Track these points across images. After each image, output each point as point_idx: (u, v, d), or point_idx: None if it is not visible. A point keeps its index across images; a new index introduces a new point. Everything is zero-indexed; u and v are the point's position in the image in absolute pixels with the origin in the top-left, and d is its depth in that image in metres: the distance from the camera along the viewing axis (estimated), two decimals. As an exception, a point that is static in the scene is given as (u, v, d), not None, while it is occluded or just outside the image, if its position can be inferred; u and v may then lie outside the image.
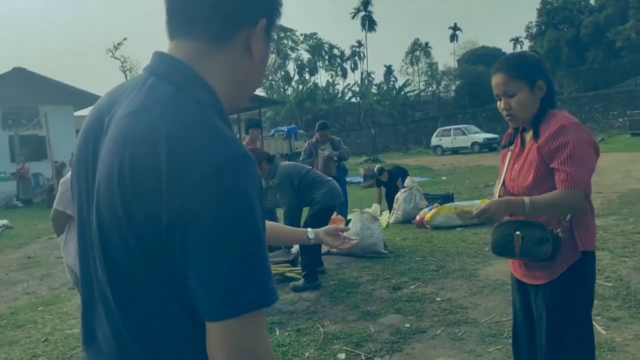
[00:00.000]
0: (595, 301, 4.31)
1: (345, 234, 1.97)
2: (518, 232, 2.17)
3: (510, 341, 3.84)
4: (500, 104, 2.26)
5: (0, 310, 5.81)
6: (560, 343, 2.16)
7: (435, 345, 3.95)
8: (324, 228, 1.99)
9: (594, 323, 3.94)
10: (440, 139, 30.56)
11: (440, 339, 4.04)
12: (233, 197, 0.86)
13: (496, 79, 2.23)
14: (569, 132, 2.09)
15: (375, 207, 6.68)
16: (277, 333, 4.39)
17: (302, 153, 8.17)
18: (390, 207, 9.45)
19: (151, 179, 0.86)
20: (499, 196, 2.33)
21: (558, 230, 2.11)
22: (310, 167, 6.08)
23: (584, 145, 2.09)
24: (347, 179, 9.71)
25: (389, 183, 9.56)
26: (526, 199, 2.12)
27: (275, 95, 54.09)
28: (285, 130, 33.38)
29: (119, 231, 0.90)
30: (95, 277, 1.00)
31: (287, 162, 6.15)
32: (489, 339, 3.94)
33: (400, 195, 9.26)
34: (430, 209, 8.43)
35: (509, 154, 2.39)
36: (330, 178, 5.82)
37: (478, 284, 5.18)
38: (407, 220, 8.90)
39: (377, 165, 9.90)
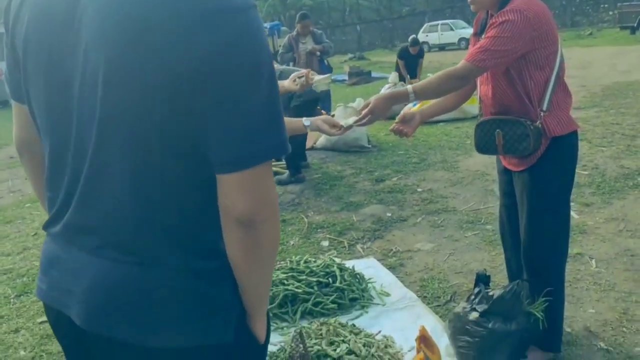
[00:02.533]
0: (571, 188, 4.45)
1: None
2: (498, 130, 2.17)
3: (487, 227, 4.01)
4: None
5: (-13, 208, 5.86)
6: (539, 226, 2.24)
7: (416, 232, 4.10)
8: (320, 117, 2.06)
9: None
10: (427, 35, 29.75)
11: (420, 227, 4.19)
12: (259, 38, 0.88)
13: None
14: (512, 12, 1.97)
15: (358, 101, 6.63)
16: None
17: (281, 48, 7.94)
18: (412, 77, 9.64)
19: (176, 22, 0.84)
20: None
21: (537, 122, 2.11)
22: (287, 65, 5.93)
23: (512, 25, 1.95)
24: (332, 77, 9.59)
25: (413, 58, 9.57)
26: (409, 87, 2.13)
27: (256, -10, 51.61)
28: (268, 27, 32.18)
29: (136, 88, 0.87)
30: (78, 149, 0.96)
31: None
32: (466, 225, 4.09)
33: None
34: (415, 105, 8.39)
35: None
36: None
37: (458, 175, 5.29)
38: (391, 116, 8.87)
39: (413, 36, 9.91)
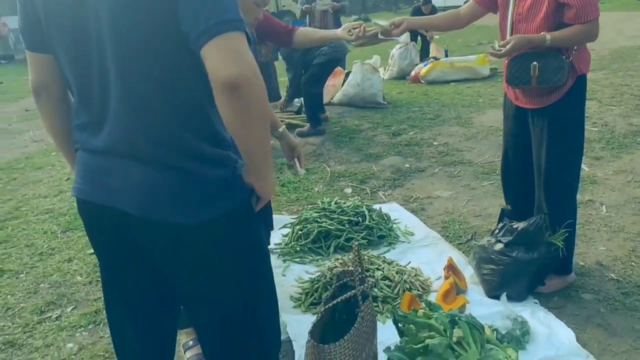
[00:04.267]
0: (582, 143, 4.66)
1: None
2: (535, 63, 2.37)
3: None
4: None
5: (14, 155, 6.06)
6: (561, 157, 2.48)
7: (434, 181, 4.33)
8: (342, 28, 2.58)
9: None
10: (432, -3, 29.43)
11: (437, 177, 4.42)
12: None
13: None
14: None
15: (375, 59, 6.77)
16: (287, 172, 4.73)
17: (299, 4, 8.00)
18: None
19: None
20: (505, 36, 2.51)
21: (570, 58, 2.33)
22: (307, 27, 6.04)
23: None
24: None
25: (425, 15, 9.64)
26: (547, 35, 2.31)
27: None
28: (271, -15, 31.68)
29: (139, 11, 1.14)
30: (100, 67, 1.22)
31: None
32: (482, 175, 4.32)
33: (395, 52, 9.28)
34: (426, 65, 8.53)
35: None
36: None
37: (472, 130, 5.49)
38: (401, 76, 9.02)
39: None
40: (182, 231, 1.27)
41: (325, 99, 6.40)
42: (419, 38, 9.68)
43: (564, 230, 2.53)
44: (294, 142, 2.39)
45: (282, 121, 5.88)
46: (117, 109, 1.23)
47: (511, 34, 2.47)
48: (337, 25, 7.83)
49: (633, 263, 2.88)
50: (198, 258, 1.32)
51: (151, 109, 1.22)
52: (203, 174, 1.26)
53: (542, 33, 2.34)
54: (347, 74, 6.84)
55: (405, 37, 9.27)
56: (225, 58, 1.11)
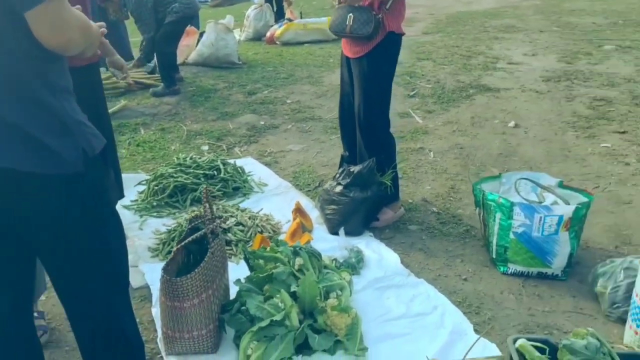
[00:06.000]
0: (416, 99, 5.21)
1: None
2: (350, 14, 2.69)
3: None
4: None
5: None
6: (368, 102, 2.86)
7: (287, 136, 4.59)
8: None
9: (412, 113, 4.83)
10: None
11: (290, 132, 4.69)
12: None
13: None
14: None
15: (228, 19, 6.80)
16: (142, 132, 4.72)
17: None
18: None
19: None
20: None
21: (380, 15, 2.68)
22: None
23: None
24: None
25: None
26: None
27: None
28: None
29: None
30: None
31: None
32: (331, 130, 4.65)
33: (250, 13, 9.32)
34: (280, 26, 8.70)
35: None
36: None
37: (323, 88, 5.82)
38: (257, 37, 9.10)
39: None
40: (29, 180, 1.33)
41: (180, 59, 6.35)
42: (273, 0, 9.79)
43: (391, 170, 2.92)
44: (121, 63, 2.82)
45: (135, 81, 5.77)
46: None
47: None
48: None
49: (451, 198, 3.37)
50: (46, 207, 1.39)
51: None
52: (35, 134, 1.31)
53: None
54: (201, 34, 6.82)
55: (260, -2, 9.35)
56: (51, 28, 1.23)
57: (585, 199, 2.59)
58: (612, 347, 1.69)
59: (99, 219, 1.49)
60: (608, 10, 9.67)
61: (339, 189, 2.96)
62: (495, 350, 2.07)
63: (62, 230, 1.42)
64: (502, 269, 2.62)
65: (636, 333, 2.05)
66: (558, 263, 2.52)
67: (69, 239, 1.44)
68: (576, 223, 2.49)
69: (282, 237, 2.91)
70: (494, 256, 2.65)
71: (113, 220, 1.56)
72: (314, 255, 2.34)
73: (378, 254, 2.75)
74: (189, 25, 6.44)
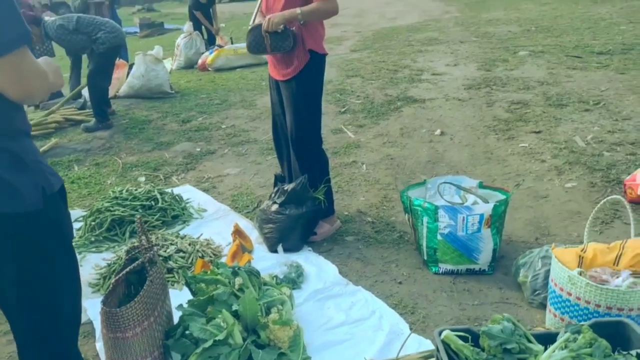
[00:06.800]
0: (347, 115, 5.39)
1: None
2: (266, 33, 2.81)
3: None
4: None
5: None
6: (300, 122, 2.98)
7: (224, 161, 4.66)
8: None
9: (344, 129, 4.99)
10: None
11: (227, 157, 4.75)
12: None
13: None
14: None
15: (157, 50, 6.82)
16: (76, 169, 4.66)
17: (71, -3, 7.68)
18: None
19: None
20: (254, 18, 2.96)
21: (293, 28, 2.83)
22: (81, 14, 5.87)
23: None
24: (124, 30, 9.45)
25: (206, 7, 9.64)
26: (298, 10, 2.77)
27: None
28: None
29: None
30: None
31: (53, 17, 5.75)
32: (267, 151, 4.75)
33: (181, 41, 9.36)
34: (211, 53, 8.78)
35: None
36: (107, 19, 5.77)
37: (256, 111, 5.93)
38: (189, 65, 9.15)
39: None
40: None
41: (111, 93, 6.31)
42: (202, 27, 9.86)
43: (323, 186, 3.04)
44: None
45: (65, 118, 5.69)
46: None
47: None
48: (114, 16, 7.71)
49: (384, 207, 3.53)
50: (4, 243, 1.40)
51: None
52: (7, 174, 1.34)
53: (293, 9, 2.78)
54: (131, 66, 6.81)
55: (189, 26, 9.41)
56: (10, 82, 1.27)
57: (503, 197, 2.79)
58: (530, 329, 1.86)
59: (55, 255, 1.51)
60: (522, 19, 10.29)
61: (275, 207, 3.05)
62: (429, 345, 2.20)
63: (18, 266, 1.44)
64: (433, 269, 2.77)
65: (555, 316, 2.23)
66: (484, 258, 2.69)
67: (24, 274, 1.46)
68: (497, 220, 2.67)
69: (223, 259, 2.97)
70: (425, 258, 2.80)
71: (68, 258, 1.58)
72: (253, 274, 2.42)
73: (317, 267, 2.85)
74: (118, 58, 6.43)
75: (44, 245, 1.46)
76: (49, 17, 5.52)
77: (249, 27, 2.96)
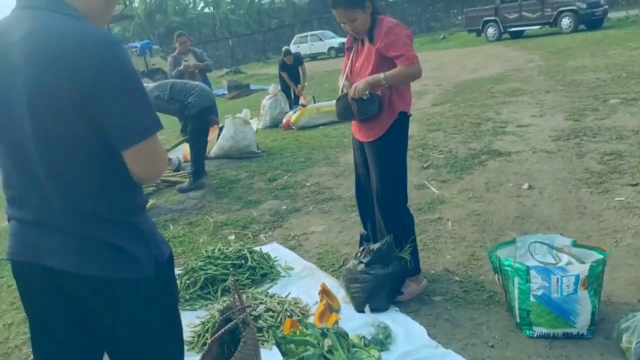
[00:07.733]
0: (431, 170, 5.38)
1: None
2: (353, 100, 2.94)
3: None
4: (346, 27, 2.97)
5: None
6: (386, 182, 3.04)
7: (309, 219, 4.77)
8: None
9: (428, 184, 4.98)
10: (298, 47, 30.84)
11: (312, 214, 4.86)
12: (126, 60, 1.38)
13: (337, 13, 2.92)
14: (394, 30, 2.86)
15: (245, 112, 7.20)
16: (172, 228, 4.94)
17: (168, 66, 8.31)
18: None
19: (69, 67, 1.29)
20: (343, 87, 3.09)
21: (378, 92, 2.93)
22: (174, 79, 6.34)
23: (406, 37, 2.88)
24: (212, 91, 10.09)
25: (292, 68, 10.14)
26: (382, 74, 2.88)
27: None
28: (139, 46, 31.59)
29: (59, 115, 1.32)
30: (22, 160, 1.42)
31: (150, 83, 6.26)
32: (350, 208, 4.81)
33: (266, 102, 9.83)
34: (295, 112, 9.14)
35: (352, 54, 3.10)
36: (197, 82, 6.17)
37: (340, 168, 6.06)
38: (274, 125, 9.56)
39: (284, 47, 10.52)
40: (108, 284, 1.49)
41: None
42: (290, 89, 10.33)
43: (409, 245, 3.05)
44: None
45: (162, 180, 6.06)
46: (41, 186, 1.44)
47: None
48: (206, 82, 8.23)
49: (472, 265, 3.46)
50: (123, 310, 1.54)
51: (71, 188, 1.43)
52: (119, 244, 1.48)
53: (377, 74, 2.90)
54: (221, 129, 7.21)
55: (274, 88, 9.88)
56: (145, 164, 1.43)
57: (600, 256, 2.66)
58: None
59: (166, 319, 1.64)
60: (610, 65, 9.94)
61: (361, 267, 3.08)
62: (527, 416, 2.10)
63: (134, 329, 1.57)
64: (527, 332, 2.67)
65: (666, 386, 2.08)
66: (582, 322, 2.56)
67: (138, 336, 1.58)
68: (594, 281, 2.55)
69: (310, 319, 3.01)
70: (518, 320, 2.71)
71: (177, 322, 1.71)
72: (342, 335, 2.44)
73: (405, 328, 2.82)
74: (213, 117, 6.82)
75: (158, 308, 1.58)
76: (146, 84, 6.00)
77: (337, 97, 3.13)
